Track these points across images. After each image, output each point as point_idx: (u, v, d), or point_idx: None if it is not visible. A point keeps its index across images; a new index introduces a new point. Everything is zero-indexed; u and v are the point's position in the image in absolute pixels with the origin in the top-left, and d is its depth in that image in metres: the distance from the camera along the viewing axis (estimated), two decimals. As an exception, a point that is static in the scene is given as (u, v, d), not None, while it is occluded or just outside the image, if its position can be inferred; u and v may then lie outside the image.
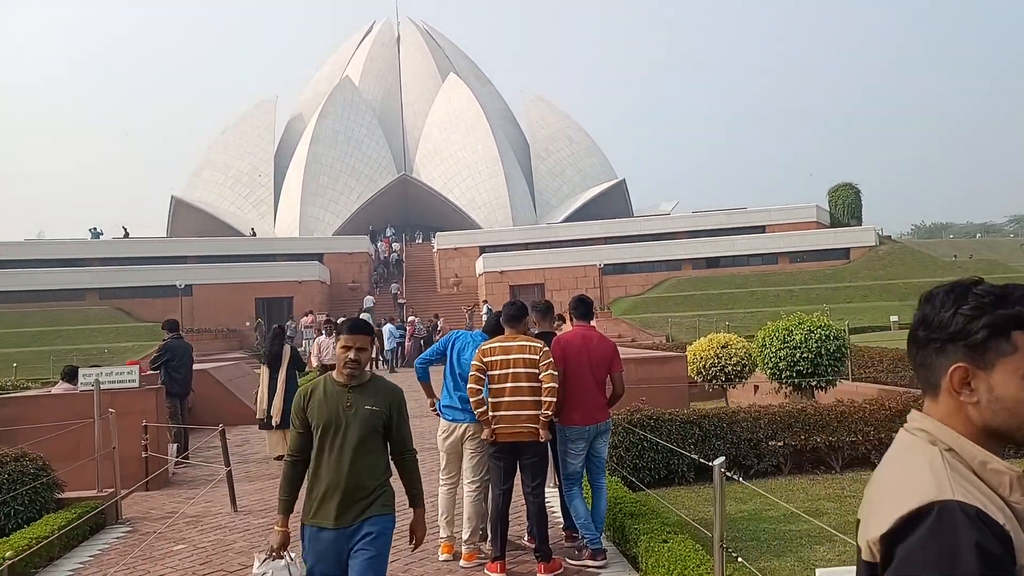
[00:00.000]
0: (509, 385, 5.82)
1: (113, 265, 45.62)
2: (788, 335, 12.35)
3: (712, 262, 46.55)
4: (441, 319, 31.78)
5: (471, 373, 5.88)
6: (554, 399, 5.78)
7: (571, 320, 6.50)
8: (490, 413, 5.87)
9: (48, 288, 43.12)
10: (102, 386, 9.62)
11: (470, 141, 69.03)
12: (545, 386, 5.76)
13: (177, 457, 10.82)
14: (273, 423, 11.01)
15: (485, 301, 40.84)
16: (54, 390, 10.32)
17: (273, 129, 72.62)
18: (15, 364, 23.16)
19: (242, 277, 44.79)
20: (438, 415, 6.62)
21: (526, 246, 50.55)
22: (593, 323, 6.46)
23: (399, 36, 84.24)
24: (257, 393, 11.29)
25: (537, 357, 5.84)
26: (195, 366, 18.32)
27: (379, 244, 56.02)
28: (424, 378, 6.78)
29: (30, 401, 9.90)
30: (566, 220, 60.55)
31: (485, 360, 5.89)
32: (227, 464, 8.29)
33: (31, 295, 43.22)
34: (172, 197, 66.79)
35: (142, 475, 9.50)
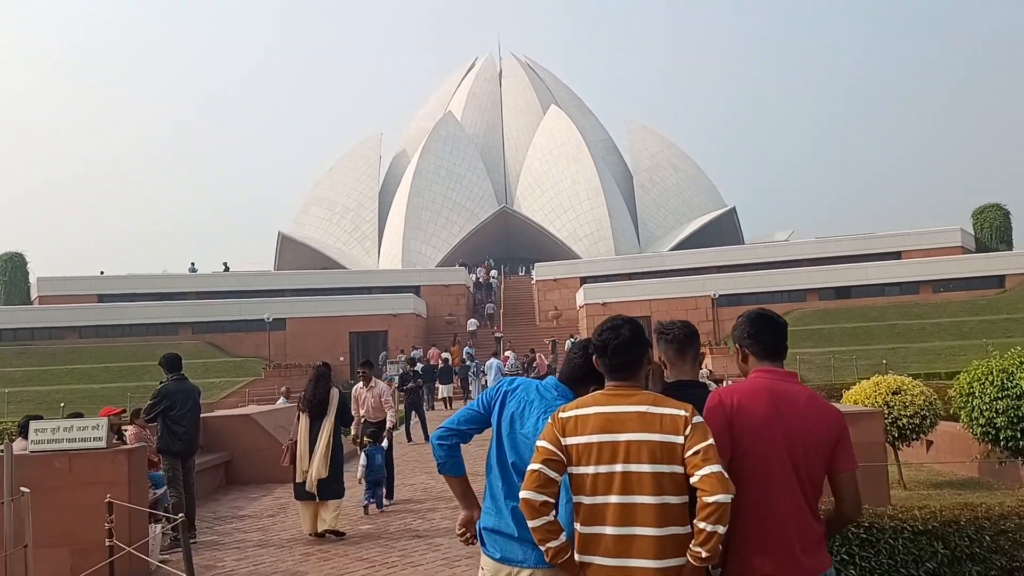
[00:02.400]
0: (615, 500, 2.77)
1: (208, 299, 44.89)
2: (1008, 379, 8.83)
3: (842, 292, 41.95)
4: (540, 353, 28.87)
5: (534, 467, 2.85)
6: (720, 528, 2.70)
7: (741, 358, 3.29)
8: (576, 556, 2.87)
9: (142, 322, 42.58)
10: (57, 445, 7.08)
11: (571, 172, 67.41)
12: (702, 500, 2.68)
13: (170, 542, 8.19)
14: (309, 488, 8.28)
15: (573, 336, 37.58)
16: (14, 447, 7.89)
17: (377, 165, 73.09)
18: (63, 404, 21.49)
19: (335, 311, 43.26)
20: (474, 542, 3.47)
21: (630, 276, 47.24)
22: (785, 367, 3.23)
23: (501, 71, 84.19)
24: (288, 448, 8.66)
25: (678, 439, 2.78)
26: (243, 410, 16.06)
27: (478, 269, 54.46)
28: (452, 468, 3.43)
29: None
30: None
31: (567, 443, 2.86)
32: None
33: (127, 329, 42.77)
34: (279, 233, 67.94)
35: (103, 574, 6.86)
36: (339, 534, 8.38)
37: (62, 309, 43.59)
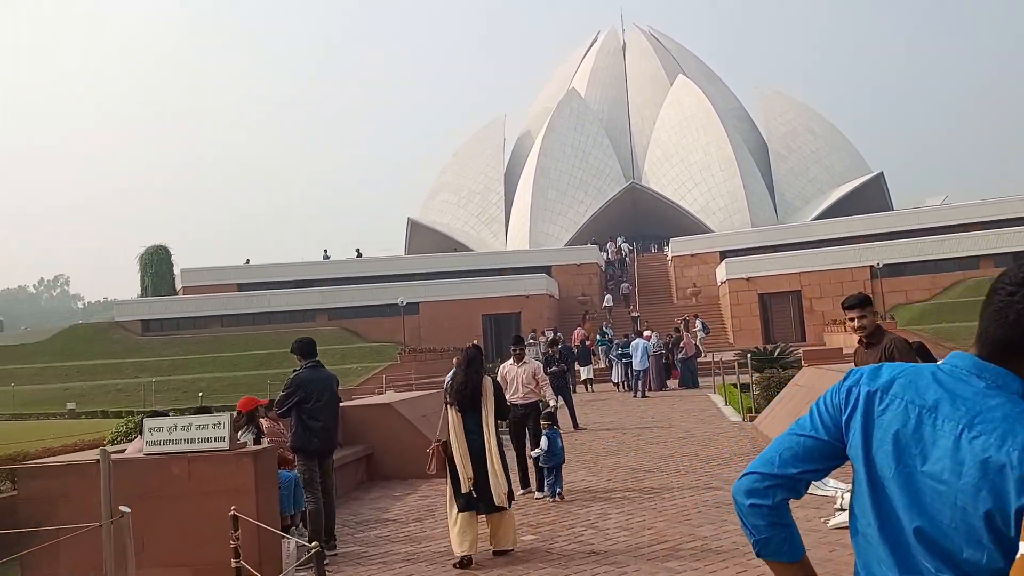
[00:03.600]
0: None
1: (342, 285, 45.15)
2: None
3: (1022, 257, 37.76)
4: (687, 332, 26.89)
5: None
6: None
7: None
8: None
9: (280, 310, 43.19)
10: (175, 447, 6.01)
11: (702, 143, 64.73)
12: None
13: (308, 555, 7.06)
14: (498, 502, 6.88)
15: (696, 316, 34.99)
16: (129, 449, 6.94)
17: (502, 147, 72.66)
18: (201, 393, 21.28)
19: (468, 293, 42.66)
20: None
21: (773, 248, 44.25)
22: None
23: (624, 43, 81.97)
24: (434, 451, 7.04)
25: None
26: (383, 399, 15.02)
27: (608, 246, 52.64)
28: (782, 548, 1.78)
29: (50, 474, 6.23)
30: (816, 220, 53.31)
31: None
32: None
33: (266, 317, 43.51)
34: (408, 220, 68.95)
35: (229, 599, 5.76)
36: (507, 552, 6.99)
37: (204, 299, 44.83)
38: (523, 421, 10.09)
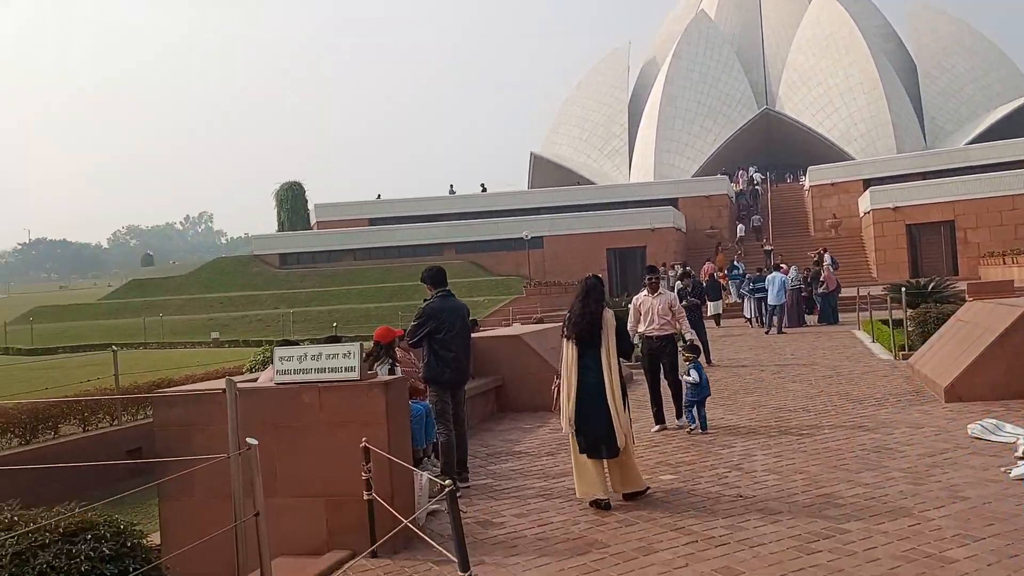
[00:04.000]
0: None
1: (468, 219, 45.39)
2: None
3: None
4: (828, 264, 25.39)
5: None
6: None
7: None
8: None
9: (410, 243, 43.86)
10: (305, 376, 5.86)
11: (843, 65, 60.73)
12: None
13: (439, 490, 6.88)
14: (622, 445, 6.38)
15: (825, 250, 32.33)
16: (261, 378, 6.88)
17: (626, 77, 70.62)
18: (335, 323, 21.70)
19: (592, 227, 42.05)
20: None
21: (922, 176, 41.22)
22: None
23: (759, -42, 77.00)
24: (557, 388, 6.70)
25: None
26: (510, 331, 14.78)
27: (738, 174, 50.64)
28: None
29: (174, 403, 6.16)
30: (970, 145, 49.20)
31: None
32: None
33: (396, 251, 44.35)
34: (531, 154, 68.64)
35: (361, 534, 5.62)
36: (641, 493, 6.50)
37: (338, 233, 46.06)
38: (658, 354, 9.59)
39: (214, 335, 33.30)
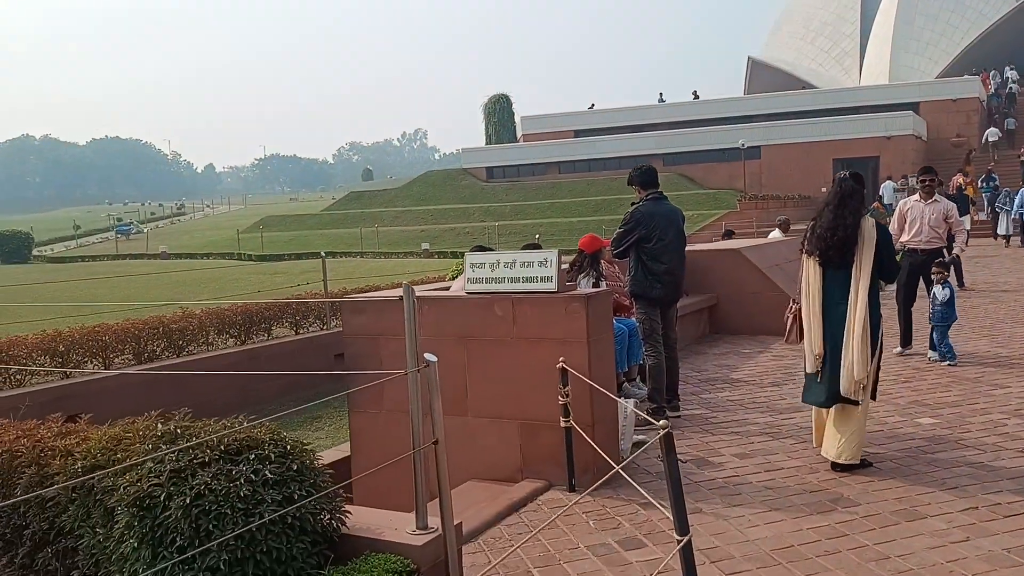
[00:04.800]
0: None
1: (678, 128, 43.21)
2: None
3: None
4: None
5: None
6: None
7: None
8: None
9: (615, 155, 42.50)
10: (497, 286, 5.19)
11: None
12: None
13: (644, 424, 6.06)
14: (845, 391, 4.88)
15: None
16: (453, 287, 6.27)
17: (860, -31, 63.39)
18: (537, 235, 21.13)
19: (815, 135, 38.63)
20: None
21: None
22: None
23: None
24: (794, 314, 5.36)
25: None
26: (719, 244, 13.47)
27: (992, 74, 44.55)
28: None
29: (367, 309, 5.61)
30: None
31: None
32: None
33: (601, 163, 43.21)
34: (748, 59, 64.48)
35: (558, 464, 4.94)
36: (861, 464, 4.95)
37: (541, 146, 45.54)
38: (920, 271, 8.22)
39: (424, 246, 34.17)
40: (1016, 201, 20.39)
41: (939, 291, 7.89)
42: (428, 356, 3.54)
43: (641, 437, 5.78)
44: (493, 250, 6.07)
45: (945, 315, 7.86)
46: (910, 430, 5.69)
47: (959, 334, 8.94)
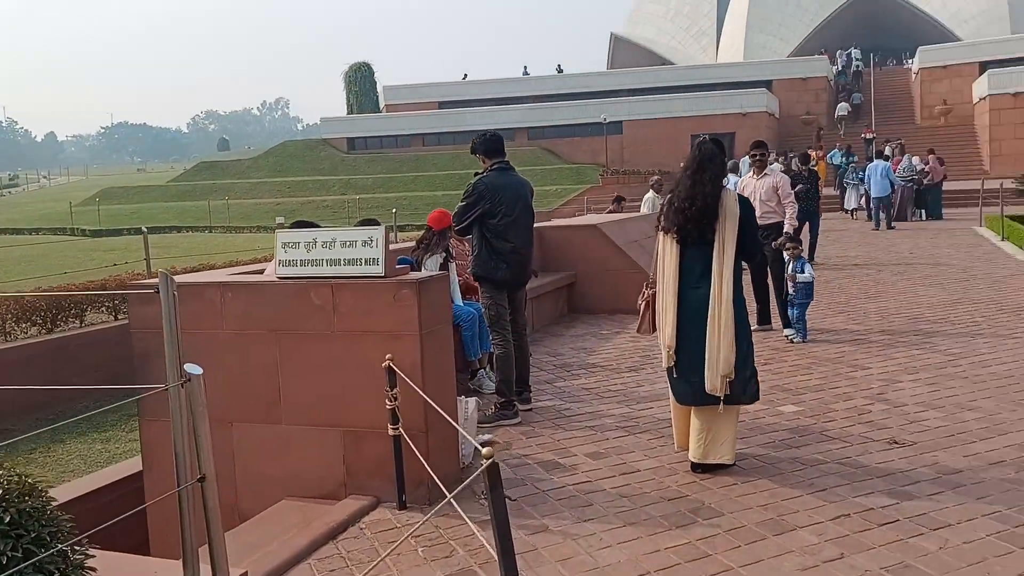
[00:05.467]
0: None
1: (542, 103, 42.92)
2: None
3: None
4: (933, 156, 22.58)
5: None
6: None
7: None
8: None
9: (479, 128, 41.67)
10: (315, 269, 4.38)
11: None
12: None
13: (494, 412, 5.43)
14: (710, 389, 4.31)
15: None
16: (267, 269, 5.40)
17: (716, -51, 65.07)
18: (395, 210, 20.25)
19: (676, 111, 39.22)
20: None
21: (1051, 59, 36.86)
22: None
23: None
24: (646, 298, 4.76)
25: None
26: (577, 220, 12.94)
27: (838, 54, 46.69)
28: None
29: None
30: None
31: None
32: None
33: (465, 136, 42.35)
34: (611, 35, 65.34)
35: (388, 477, 4.23)
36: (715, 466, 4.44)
37: (404, 117, 44.27)
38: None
39: (279, 220, 32.38)
40: (865, 177, 21.04)
41: (805, 271, 7.67)
42: (190, 368, 2.73)
43: (487, 437, 5.15)
44: (317, 227, 5.24)
45: (808, 292, 7.67)
46: (773, 420, 5.31)
47: (815, 310, 8.82)
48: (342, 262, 4.35)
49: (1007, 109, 34.46)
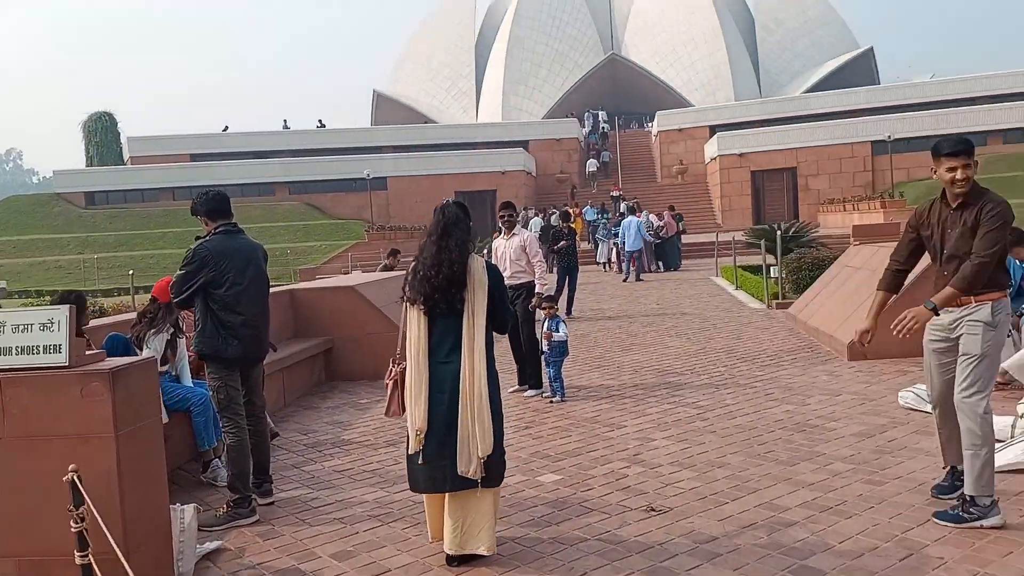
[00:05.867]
0: None
1: (305, 157, 41.87)
2: None
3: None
4: (667, 212, 24.32)
5: None
6: None
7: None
8: None
9: (237, 182, 39.88)
10: (-26, 363, 3.54)
11: (685, 14, 61.47)
12: None
13: (226, 513, 4.74)
14: (463, 469, 3.89)
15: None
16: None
17: (473, 15, 68.51)
18: (131, 271, 18.62)
19: (439, 168, 39.83)
20: None
21: (767, 123, 41.58)
22: None
23: (606, -97, 76.00)
24: (394, 375, 4.31)
25: None
26: (332, 282, 11.88)
27: (586, 117, 50.00)
28: None
29: None
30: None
31: None
32: None
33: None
34: (374, 91, 65.55)
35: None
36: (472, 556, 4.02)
37: (151, 169, 41.42)
38: (513, 305, 7.90)
39: (1, 284, 28.77)
40: (620, 232, 22.13)
41: (560, 329, 7.64)
42: None
43: (216, 544, 4.44)
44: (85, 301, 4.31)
45: (563, 350, 7.65)
46: (533, 492, 5.05)
47: (573, 366, 8.86)
48: (15, 350, 3.56)
49: (734, 168, 38.27)
